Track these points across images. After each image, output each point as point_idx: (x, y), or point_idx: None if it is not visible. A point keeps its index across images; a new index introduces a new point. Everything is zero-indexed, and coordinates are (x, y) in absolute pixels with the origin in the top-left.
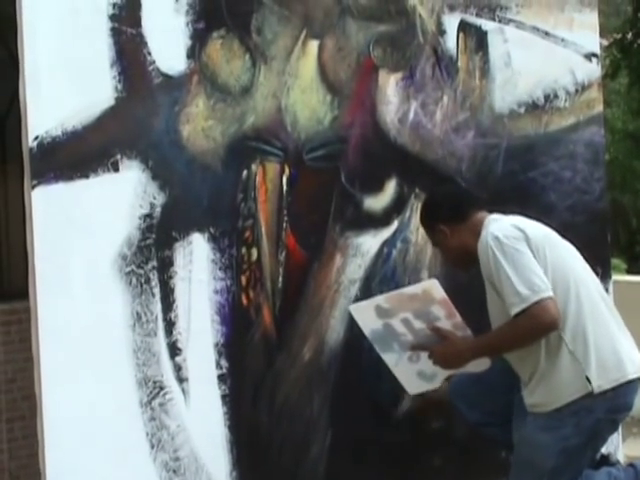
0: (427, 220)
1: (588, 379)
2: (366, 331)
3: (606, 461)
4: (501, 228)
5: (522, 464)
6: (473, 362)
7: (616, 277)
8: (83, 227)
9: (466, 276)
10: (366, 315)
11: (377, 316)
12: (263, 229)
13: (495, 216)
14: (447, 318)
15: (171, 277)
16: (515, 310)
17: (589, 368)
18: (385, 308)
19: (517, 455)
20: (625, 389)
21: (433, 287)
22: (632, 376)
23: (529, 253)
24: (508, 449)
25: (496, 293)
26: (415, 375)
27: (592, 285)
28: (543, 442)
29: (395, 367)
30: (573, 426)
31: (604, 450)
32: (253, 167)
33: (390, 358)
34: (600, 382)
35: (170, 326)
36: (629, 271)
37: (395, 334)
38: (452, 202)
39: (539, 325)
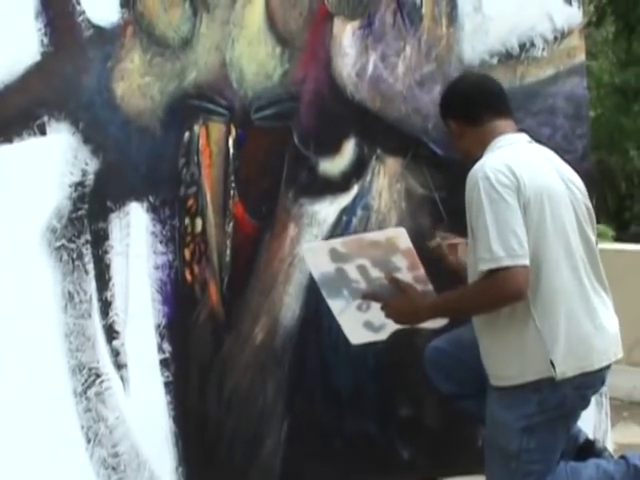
0: (440, 109)
1: (552, 363)
2: (315, 274)
3: (592, 447)
4: (496, 168)
5: (490, 447)
6: None
7: (603, 245)
8: (6, 197)
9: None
10: (319, 258)
11: (331, 260)
12: (208, 197)
13: (504, 139)
14: (409, 270)
15: (106, 252)
16: (483, 267)
17: (554, 352)
18: (341, 252)
19: (486, 438)
20: (593, 376)
21: (399, 236)
22: (602, 364)
23: (517, 208)
24: (483, 424)
25: (472, 238)
26: (361, 325)
27: (589, 255)
28: (504, 420)
29: (340, 314)
30: (537, 404)
31: (591, 435)
32: (195, 128)
33: (336, 305)
34: (564, 368)
35: (106, 307)
36: (617, 239)
37: (347, 280)
38: (462, 99)
39: (503, 292)
